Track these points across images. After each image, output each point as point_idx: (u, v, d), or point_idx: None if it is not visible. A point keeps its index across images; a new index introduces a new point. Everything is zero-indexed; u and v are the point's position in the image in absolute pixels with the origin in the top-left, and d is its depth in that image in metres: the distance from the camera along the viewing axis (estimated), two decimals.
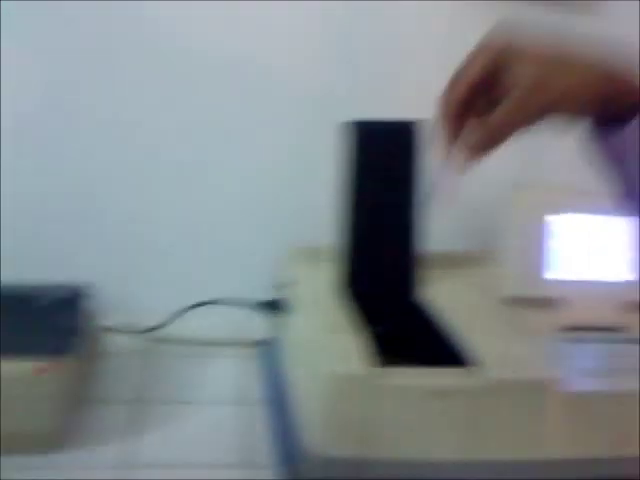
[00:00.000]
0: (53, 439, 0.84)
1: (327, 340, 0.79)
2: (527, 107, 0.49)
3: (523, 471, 0.79)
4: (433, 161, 0.57)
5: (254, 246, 1.21)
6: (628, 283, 0.95)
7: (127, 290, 1.21)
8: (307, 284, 0.96)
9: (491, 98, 0.50)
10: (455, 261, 1.00)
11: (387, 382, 0.73)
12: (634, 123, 0.48)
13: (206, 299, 1.17)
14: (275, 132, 1.18)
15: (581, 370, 0.82)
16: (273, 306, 1.09)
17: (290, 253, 1.06)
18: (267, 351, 1.16)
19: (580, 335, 0.90)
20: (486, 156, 0.52)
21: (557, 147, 1.21)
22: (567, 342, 0.88)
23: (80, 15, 1.09)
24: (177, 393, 1.05)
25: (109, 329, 1.15)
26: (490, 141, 0.51)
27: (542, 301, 0.91)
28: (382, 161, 0.91)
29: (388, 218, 0.88)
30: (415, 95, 1.15)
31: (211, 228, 1.23)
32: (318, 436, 0.77)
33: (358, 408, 0.74)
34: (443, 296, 0.93)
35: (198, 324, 1.20)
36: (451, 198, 0.55)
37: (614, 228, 0.95)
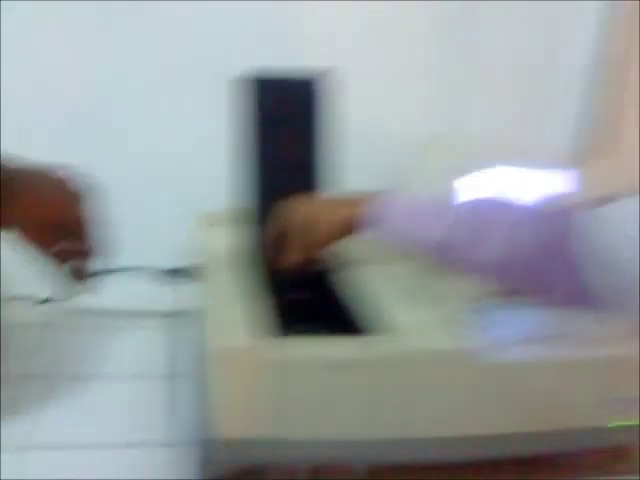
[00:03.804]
0: None
1: (222, 310, 0.72)
2: (302, 253, 0.76)
3: (435, 450, 0.73)
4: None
5: (166, 210, 1.13)
6: None
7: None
8: (212, 250, 0.88)
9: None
10: None
11: (281, 355, 0.66)
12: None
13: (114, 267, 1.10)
14: (178, 92, 1.10)
15: (504, 338, 0.75)
16: (182, 274, 1.01)
17: (197, 218, 0.98)
18: (177, 323, 1.09)
19: (505, 300, 0.84)
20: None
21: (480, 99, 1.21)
22: (490, 308, 0.81)
23: None
24: (80, 368, 0.98)
25: (9, 299, 1.07)
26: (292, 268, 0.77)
27: None
28: (282, 118, 0.83)
29: (293, 177, 0.81)
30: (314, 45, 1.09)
31: (120, 192, 1.15)
32: (213, 416, 0.70)
33: (251, 384, 0.66)
34: (358, 260, 0.86)
35: (107, 294, 1.12)
36: None
37: (540, 183, 0.90)
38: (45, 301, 1.09)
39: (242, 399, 0.67)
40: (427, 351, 0.70)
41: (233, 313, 0.71)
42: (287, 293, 0.80)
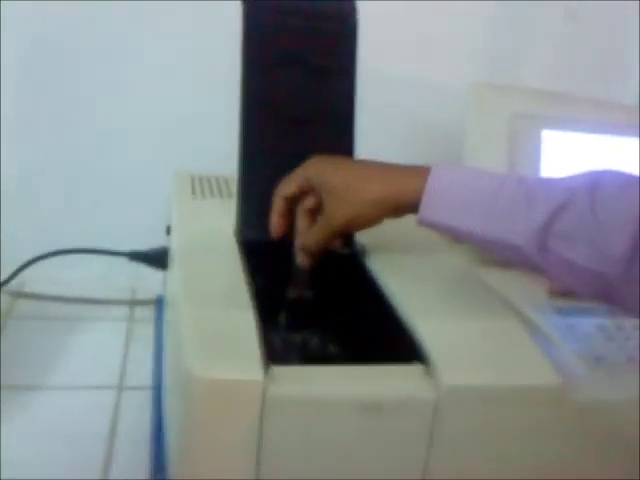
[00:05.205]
0: None
1: (198, 316, 0.50)
2: (327, 232, 0.60)
3: None
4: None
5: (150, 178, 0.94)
6: None
7: None
8: (192, 226, 0.67)
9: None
10: None
11: (282, 391, 0.45)
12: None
13: (83, 246, 0.90)
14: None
15: (595, 363, 0.55)
16: (160, 257, 0.81)
17: (177, 185, 0.77)
18: (142, 318, 0.88)
19: (580, 305, 0.63)
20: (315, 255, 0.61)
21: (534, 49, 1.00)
22: (563, 317, 0.61)
23: None
24: (28, 373, 0.79)
25: None
26: (308, 254, 0.61)
27: None
28: (292, 55, 0.63)
29: (303, 134, 0.61)
30: None
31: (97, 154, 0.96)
32: (182, 466, 0.49)
33: (240, 431, 0.45)
34: (385, 248, 0.65)
35: (69, 277, 0.94)
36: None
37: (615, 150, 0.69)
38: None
39: (228, 447, 0.46)
40: (492, 388, 0.48)
41: (215, 323, 0.50)
42: (286, 290, 0.61)
